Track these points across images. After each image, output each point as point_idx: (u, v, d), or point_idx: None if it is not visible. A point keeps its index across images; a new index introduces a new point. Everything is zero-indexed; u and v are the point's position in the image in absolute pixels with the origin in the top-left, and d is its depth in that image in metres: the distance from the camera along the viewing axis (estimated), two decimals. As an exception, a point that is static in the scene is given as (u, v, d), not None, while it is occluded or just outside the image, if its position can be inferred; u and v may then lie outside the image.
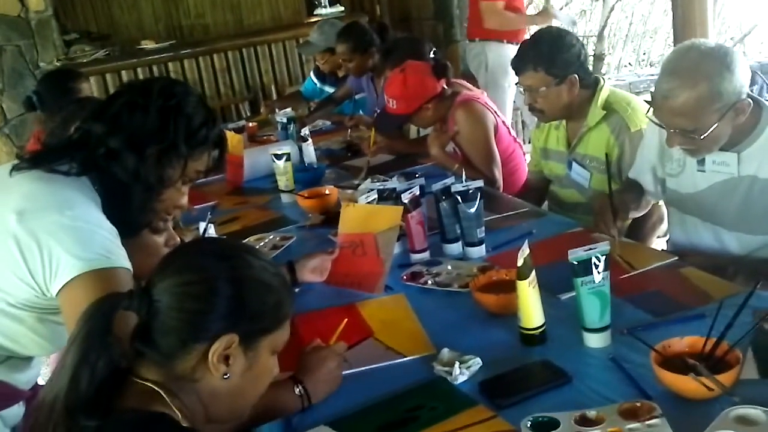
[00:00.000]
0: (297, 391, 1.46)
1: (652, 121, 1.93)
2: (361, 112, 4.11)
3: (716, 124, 1.79)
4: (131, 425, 1.05)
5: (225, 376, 1.13)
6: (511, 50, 3.57)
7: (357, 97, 4.24)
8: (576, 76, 2.40)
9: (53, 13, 5.50)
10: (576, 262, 1.52)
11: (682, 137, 1.84)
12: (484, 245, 2.10)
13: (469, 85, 3.10)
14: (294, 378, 1.49)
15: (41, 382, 1.74)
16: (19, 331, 1.50)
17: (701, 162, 1.95)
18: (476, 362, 1.52)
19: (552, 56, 2.40)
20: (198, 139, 1.60)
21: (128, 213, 1.56)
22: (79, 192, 1.49)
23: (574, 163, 2.53)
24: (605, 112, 2.42)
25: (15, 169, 1.53)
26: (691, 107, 1.78)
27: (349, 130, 3.77)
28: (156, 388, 1.10)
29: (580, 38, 2.53)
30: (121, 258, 1.45)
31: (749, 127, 1.86)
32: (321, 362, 1.51)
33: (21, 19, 5.37)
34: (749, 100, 1.81)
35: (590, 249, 1.53)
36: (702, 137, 1.80)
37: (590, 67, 2.51)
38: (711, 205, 1.98)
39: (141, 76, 5.66)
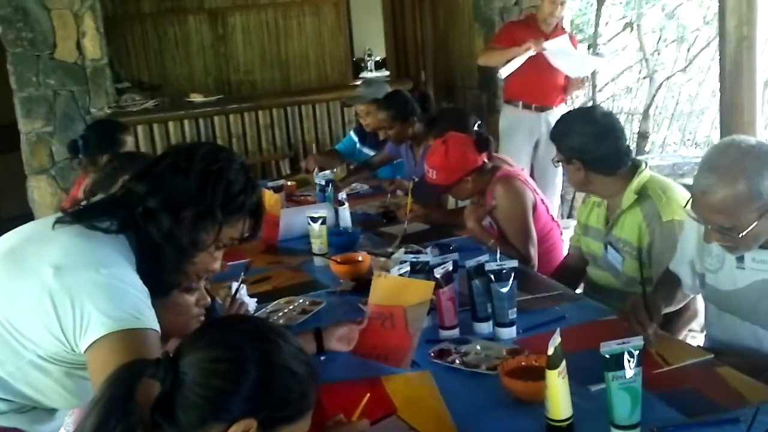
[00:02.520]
0: None
1: (690, 216, 1.90)
2: (399, 176, 4.13)
3: (755, 223, 1.75)
4: None
5: None
6: None
7: (395, 162, 4.27)
8: (579, 161, 2.45)
9: (108, 62, 5.68)
10: (608, 356, 1.48)
11: (719, 234, 1.81)
12: (515, 327, 2.07)
13: (510, 161, 3.10)
14: None
15: (63, 432, 1.74)
16: (46, 384, 1.50)
17: (740, 259, 1.91)
18: None
19: (561, 137, 2.52)
20: (235, 205, 1.61)
21: (160, 273, 1.57)
22: (116, 251, 1.52)
23: (609, 246, 2.51)
24: (637, 197, 2.41)
25: (58, 222, 1.56)
26: (730, 205, 1.75)
27: (389, 195, 3.79)
28: None
29: (619, 127, 2.51)
30: (150, 320, 1.46)
31: None
32: None
33: (77, 66, 5.54)
34: None
35: (623, 343, 1.49)
36: (740, 235, 1.77)
37: (613, 157, 2.44)
38: (750, 303, 1.92)
39: (187, 128, 5.79)
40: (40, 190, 5.54)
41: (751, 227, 1.76)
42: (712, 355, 1.87)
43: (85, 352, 1.41)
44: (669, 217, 2.34)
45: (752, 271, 1.90)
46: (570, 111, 2.72)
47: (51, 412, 1.60)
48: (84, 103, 5.60)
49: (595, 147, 2.43)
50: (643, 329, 1.84)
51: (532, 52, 4.35)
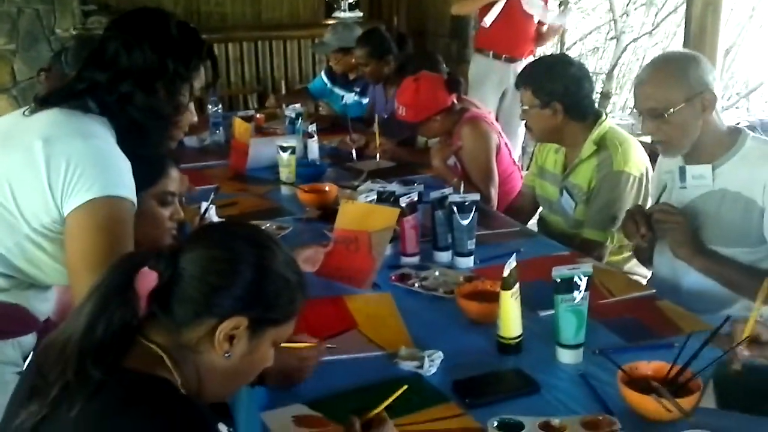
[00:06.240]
0: None
1: (633, 118, 2.08)
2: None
3: (682, 104, 1.94)
4: (135, 386, 1.09)
5: (226, 355, 1.16)
6: None
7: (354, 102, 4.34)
8: (560, 104, 2.51)
9: (75, -19, 5.57)
10: (559, 280, 1.60)
11: (653, 122, 1.99)
12: (472, 257, 2.18)
13: (478, 103, 3.18)
14: None
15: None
16: (42, 259, 1.55)
17: (683, 178, 2.06)
18: (439, 355, 1.62)
19: (541, 80, 2.55)
20: (194, 58, 1.67)
21: (149, 147, 1.64)
22: (99, 125, 1.57)
23: (564, 191, 2.62)
24: (596, 147, 2.52)
25: (34, 110, 1.59)
26: (659, 86, 1.98)
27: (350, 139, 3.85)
28: (161, 353, 1.14)
29: (590, 74, 2.61)
30: (132, 190, 1.53)
31: (727, 144, 2.01)
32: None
33: (43, -17, 5.43)
34: (715, 95, 1.97)
35: (574, 268, 1.61)
36: (668, 115, 1.95)
37: (587, 102, 2.58)
38: (689, 220, 2.05)
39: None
40: (0, 110, 5.46)
41: (679, 107, 1.94)
42: (654, 290, 2.01)
43: (67, 215, 1.47)
44: (619, 168, 2.46)
45: (692, 188, 2.06)
46: (544, 56, 2.78)
47: (45, 290, 1.66)
48: (49, 22, 5.49)
49: (577, 90, 2.52)
50: (636, 230, 2.02)
51: None
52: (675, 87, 1.95)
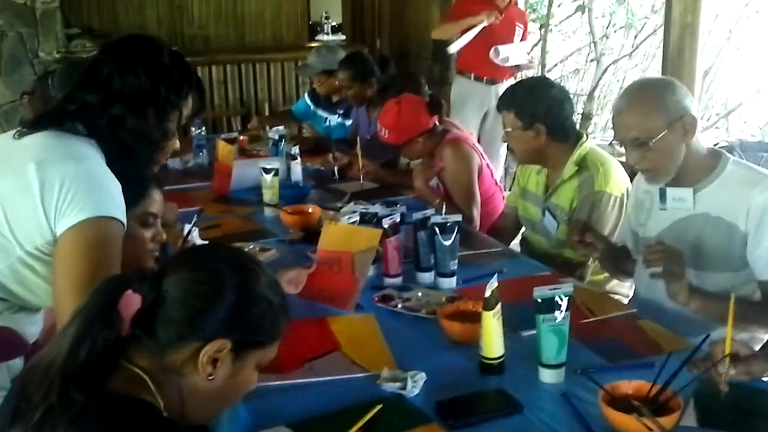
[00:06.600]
0: None
1: (614, 146, 2.09)
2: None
3: (664, 132, 1.93)
4: (117, 410, 1.09)
5: (209, 378, 1.17)
6: None
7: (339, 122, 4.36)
8: (543, 126, 2.53)
9: (59, 6, 5.56)
10: (540, 299, 1.61)
11: (636, 151, 1.98)
12: (455, 277, 2.19)
13: (460, 125, 3.21)
14: None
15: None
16: (35, 282, 1.56)
17: (663, 200, 2.07)
18: (422, 376, 1.62)
19: (523, 102, 2.57)
20: (184, 86, 1.71)
21: (133, 171, 1.66)
22: (89, 147, 1.60)
23: (546, 212, 2.64)
24: (578, 168, 2.54)
25: (23, 133, 1.61)
26: (638, 116, 1.96)
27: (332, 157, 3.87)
28: (144, 376, 1.14)
29: (570, 95, 2.65)
30: (122, 212, 1.55)
31: (708, 167, 2.01)
32: None
33: (26, 8, 5.43)
34: (695, 118, 1.97)
35: (555, 288, 1.62)
36: (652, 143, 1.94)
37: (569, 123, 2.62)
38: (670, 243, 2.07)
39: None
40: (-18, 132, 5.43)
41: (661, 135, 1.93)
42: (635, 309, 2.03)
43: (59, 236, 1.48)
44: (600, 188, 2.49)
45: (672, 210, 2.06)
46: (525, 79, 2.83)
47: (35, 313, 1.66)
48: (32, 46, 5.49)
49: (559, 112, 2.55)
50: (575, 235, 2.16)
51: (485, 23, 4.46)
52: (654, 114, 1.94)
